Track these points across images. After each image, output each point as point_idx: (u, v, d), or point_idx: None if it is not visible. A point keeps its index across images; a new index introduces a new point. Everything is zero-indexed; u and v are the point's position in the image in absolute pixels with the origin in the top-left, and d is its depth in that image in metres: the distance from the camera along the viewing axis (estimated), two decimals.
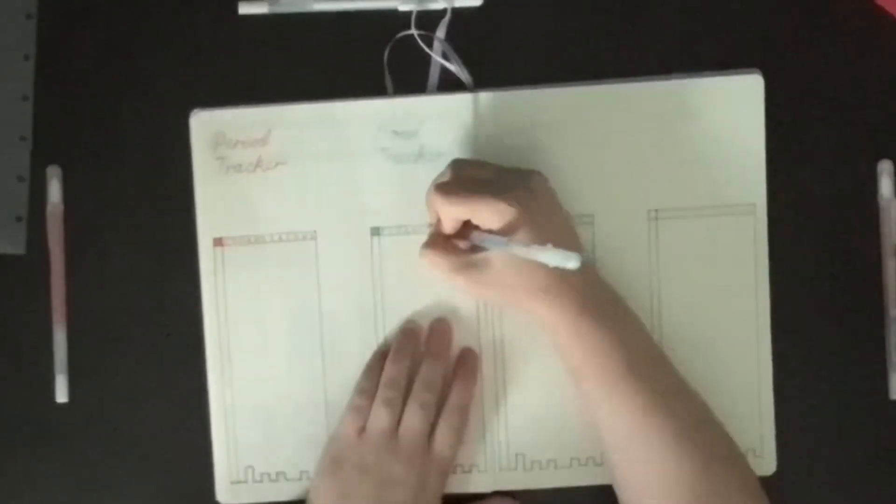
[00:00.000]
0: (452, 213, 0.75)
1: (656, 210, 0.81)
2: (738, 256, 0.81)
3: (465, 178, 0.76)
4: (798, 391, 0.82)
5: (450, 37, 0.83)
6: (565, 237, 0.76)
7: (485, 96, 0.82)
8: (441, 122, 0.82)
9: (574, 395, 0.79)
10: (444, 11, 0.83)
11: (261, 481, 0.83)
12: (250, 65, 0.83)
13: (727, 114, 0.81)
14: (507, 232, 0.72)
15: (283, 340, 0.83)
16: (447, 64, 0.83)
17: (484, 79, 0.82)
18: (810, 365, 0.82)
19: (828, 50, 0.82)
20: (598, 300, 0.76)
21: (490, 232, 0.74)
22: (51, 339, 0.83)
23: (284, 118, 0.82)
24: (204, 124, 0.82)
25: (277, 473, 0.83)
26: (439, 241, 0.77)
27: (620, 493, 0.77)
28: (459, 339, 0.82)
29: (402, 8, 0.83)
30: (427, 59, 0.83)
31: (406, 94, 0.83)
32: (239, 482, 0.83)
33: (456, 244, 0.77)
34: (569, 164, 0.81)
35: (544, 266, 0.69)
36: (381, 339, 0.82)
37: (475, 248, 0.76)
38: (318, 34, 0.83)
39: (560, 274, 0.71)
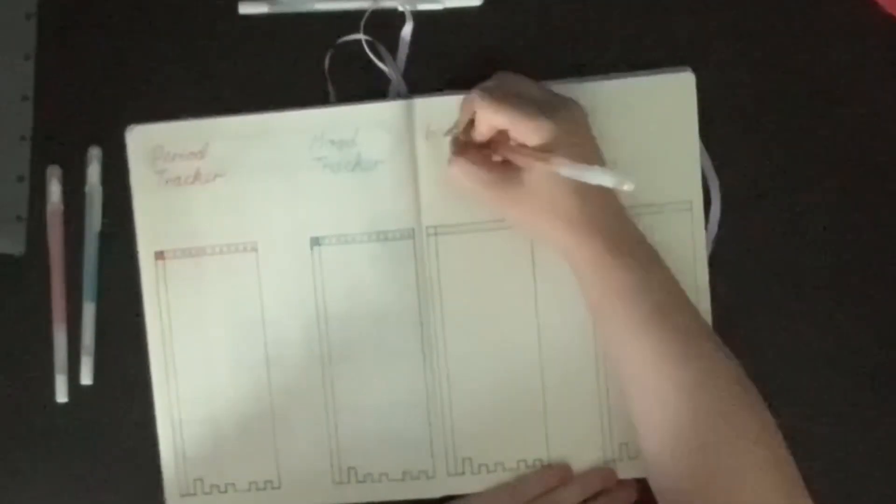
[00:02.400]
0: (493, 121, 0.74)
1: None
2: (677, 253, 0.80)
3: (510, 90, 0.75)
4: None
5: (450, 37, 0.82)
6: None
7: (419, 102, 0.81)
8: (377, 129, 0.82)
9: (517, 396, 0.81)
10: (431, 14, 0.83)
11: (210, 493, 0.83)
12: (250, 65, 0.83)
13: (660, 112, 0.80)
14: (543, 150, 0.71)
15: (227, 352, 0.83)
16: (383, 67, 0.83)
17: (483, 78, 0.80)
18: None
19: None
20: (623, 239, 0.75)
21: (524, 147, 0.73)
22: (51, 339, 0.83)
23: (221, 130, 0.82)
24: (140, 138, 0.83)
25: (227, 485, 0.83)
26: (468, 151, 0.77)
27: (636, 429, 0.76)
28: (400, 342, 0.82)
29: (402, 8, 0.82)
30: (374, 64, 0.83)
31: (344, 102, 0.82)
32: (188, 495, 0.83)
33: (486, 154, 0.76)
34: None
35: (572, 193, 0.71)
36: (324, 349, 0.82)
37: (506, 164, 0.75)
38: (317, 34, 0.83)
39: (586, 205, 0.72)
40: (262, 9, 0.82)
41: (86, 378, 0.83)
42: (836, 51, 0.82)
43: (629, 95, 0.80)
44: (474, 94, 0.75)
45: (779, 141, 0.82)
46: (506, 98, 0.73)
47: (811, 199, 0.82)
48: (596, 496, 0.81)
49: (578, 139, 0.74)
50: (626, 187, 0.64)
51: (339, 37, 0.83)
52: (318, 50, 0.83)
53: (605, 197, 0.75)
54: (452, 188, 0.78)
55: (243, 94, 0.83)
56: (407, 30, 0.82)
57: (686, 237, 0.81)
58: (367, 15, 0.82)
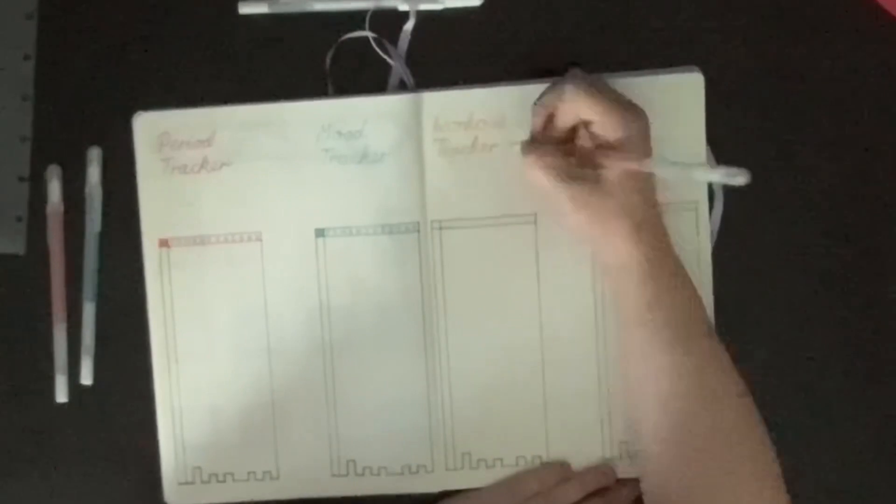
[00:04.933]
0: (583, 111, 0.73)
1: None
2: (681, 253, 0.79)
3: (595, 82, 0.75)
4: None
5: (450, 37, 0.83)
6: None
7: (427, 96, 0.81)
8: (384, 122, 0.82)
9: (517, 392, 0.81)
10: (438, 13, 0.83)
11: (208, 482, 0.83)
12: (250, 65, 0.83)
13: (668, 111, 0.80)
14: (621, 148, 0.72)
15: (229, 341, 0.83)
16: (391, 62, 0.83)
17: (483, 78, 0.82)
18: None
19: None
20: (670, 258, 0.76)
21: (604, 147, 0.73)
22: (51, 339, 0.83)
23: (229, 119, 0.82)
24: (148, 125, 0.83)
25: (225, 474, 0.83)
26: (543, 148, 0.76)
27: (633, 415, 0.77)
28: (402, 335, 0.82)
29: (402, 8, 0.82)
30: (383, 60, 0.83)
31: (351, 94, 0.83)
32: (187, 483, 0.83)
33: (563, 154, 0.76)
34: (512, 162, 0.80)
35: (642, 199, 0.72)
36: (326, 340, 0.82)
37: (581, 162, 0.75)
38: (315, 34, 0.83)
39: (654, 221, 0.74)
40: (261, 9, 0.83)
41: (86, 378, 0.83)
42: (839, 52, 0.82)
43: (637, 94, 0.79)
44: (564, 85, 0.74)
45: (781, 141, 0.82)
46: (595, 89, 0.74)
47: (813, 199, 0.82)
48: (595, 494, 0.81)
49: (647, 142, 0.75)
50: (740, 180, 0.63)
51: (338, 37, 0.83)
52: (318, 50, 0.83)
53: (656, 206, 0.76)
54: (532, 182, 0.77)
55: (242, 95, 0.83)
56: (408, 28, 0.83)
57: (691, 237, 0.81)
58: (369, 13, 0.82)
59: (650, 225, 0.74)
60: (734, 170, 0.63)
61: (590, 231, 0.76)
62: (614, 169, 0.73)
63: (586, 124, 0.74)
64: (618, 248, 0.74)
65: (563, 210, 0.75)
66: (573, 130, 0.75)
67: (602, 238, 0.75)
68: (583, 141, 0.75)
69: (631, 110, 0.73)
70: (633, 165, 0.72)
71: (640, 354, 0.75)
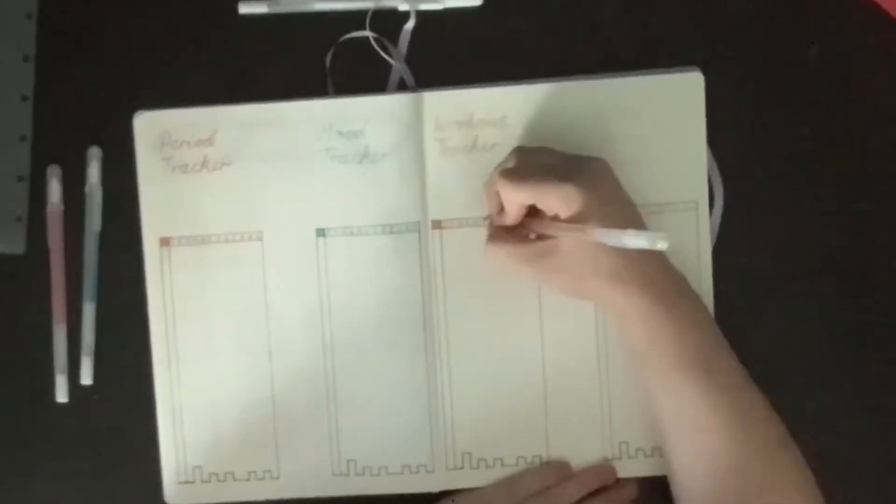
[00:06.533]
0: (519, 199, 0.74)
1: None
2: (681, 253, 0.80)
3: (530, 164, 0.75)
4: None
5: (450, 37, 0.83)
6: (634, 223, 0.75)
7: (428, 96, 0.82)
8: (385, 122, 0.82)
9: (518, 392, 0.81)
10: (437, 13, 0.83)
11: (209, 481, 0.83)
12: (250, 65, 0.83)
13: (668, 112, 0.81)
14: (575, 218, 0.71)
15: (229, 340, 0.83)
16: (392, 62, 0.83)
17: (483, 78, 0.82)
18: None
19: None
20: (667, 287, 0.75)
21: (556, 219, 0.73)
22: (51, 339, 0.83)
23: (230, 118, 0.82)
24: (148, 125, 0.83)
25: (225, 474, 0.83)
26: (502, 233, 0.77)
27: (675, 480, 0.76)
28: (403, 335, 0.82)
29: (402, 8, 0.82)
30: (382, 60, 0.83)
31: (351, 94, 0.83)
32: (187, 482, 0.83)
33: (522, 233, 0.76)
34: None
35: (614, 251, 0.69)
36: (327, 340, 0.83)
37: (541, 237, 0.75)
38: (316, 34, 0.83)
39: (629, 260, 0.72)
40: (261, 9, 0.83)
41: (86, 378, 0.83)
42: (839, 51, 0.82)
43: (638, 94, 0.81)
44: (495, 176, 0.75)
45: (781, 141, 0.82)
46: (527, 173, 0.73)
47: (813, 198, 0.82)
48: (595, 494, 0.81)
49: (608, 196, 0.74)
50: (660, 246, 0.63)
51: (338, 37, 0.83)
52: (318, 50, 0.83)
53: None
54: (500, 270, 0.78)
55: (242, 95, 0.83)
56: (408, 28, 0.83)
57: (691, 237, 0.81)
58: (370, 13, 0.82)
59: (635, 266, 0.73)
60: (658, 234, 0.64)
61: (571, 295, 0.77)
62: (567, 236, 0.73)
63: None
64: (603, 303, 0.76)
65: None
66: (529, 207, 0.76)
67: (585, 297, 0.77)
68: (536, 218, 0.76)
69: (572, 177, 0.72)
70: (575, 234, 0.71)
71: (653, 387, 0.75)
